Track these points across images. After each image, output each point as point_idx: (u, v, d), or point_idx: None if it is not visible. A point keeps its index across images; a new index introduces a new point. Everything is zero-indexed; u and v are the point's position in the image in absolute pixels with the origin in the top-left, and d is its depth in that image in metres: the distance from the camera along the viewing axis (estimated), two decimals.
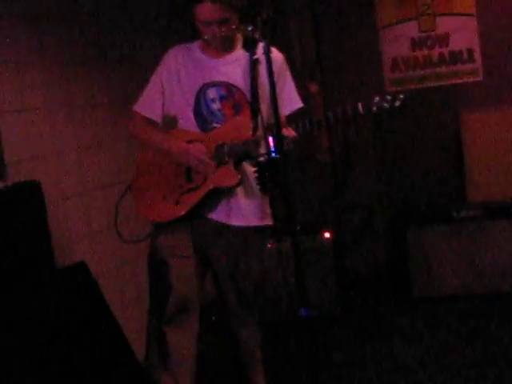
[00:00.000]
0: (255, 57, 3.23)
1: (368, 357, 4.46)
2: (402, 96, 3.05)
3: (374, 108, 3.04)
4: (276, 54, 3.26)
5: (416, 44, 5.80)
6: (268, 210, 3.36)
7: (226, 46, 3.32)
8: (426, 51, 5.79)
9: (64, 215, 3.98)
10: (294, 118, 3.33)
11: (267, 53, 2.73)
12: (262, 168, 2.94)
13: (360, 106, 3.04)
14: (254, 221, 3.34)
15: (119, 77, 4.67)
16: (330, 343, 4.72)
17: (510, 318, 4.77)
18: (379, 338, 4.73)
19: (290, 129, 3.17)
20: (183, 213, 3.28)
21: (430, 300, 5.24)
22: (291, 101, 3.39)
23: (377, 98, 3.05)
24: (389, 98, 3.05)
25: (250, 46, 3.28)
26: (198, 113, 3.33)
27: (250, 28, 2.93)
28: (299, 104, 3.42)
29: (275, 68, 2.86)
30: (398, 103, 3.04)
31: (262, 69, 3.08)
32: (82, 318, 3.53)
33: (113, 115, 4.50)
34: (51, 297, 3.26)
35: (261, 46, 2.97)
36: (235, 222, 3.31)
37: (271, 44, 2.81)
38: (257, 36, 2.86)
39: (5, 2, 3.64)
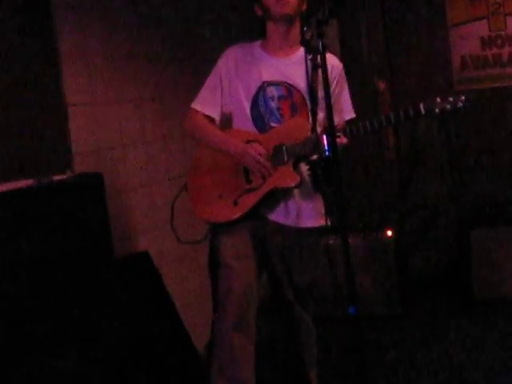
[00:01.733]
0: (317, 61, 3.10)
1: (424, 356, 4.45)
2: (463, 97, 2.96)
3: (437, 110, 2.97)
4: (337, 62, 3.36)
5: (486, 43, 5.71)
6: (323, 210, 3.36)
7: (292, 31, 3.28)
8: (495, 50, 5.70)
9: (129, 206, 4.07)
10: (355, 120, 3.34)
11: (322, 53, 2.70)
12: (315, 167, 2.99)
13: (422, 107, 2.98)
14: (309, 222, 3.34)
15: (187, 72, 4.74)
16: (388, 341, 4.73)
17: None
18: (438, 339, 4.71)
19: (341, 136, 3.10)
20: (241, 214, 3.26)
21: (491, 302, 5.17)
22: (345, 111, 3.40)
23: (438, 100, 2.97)
24: (451, 99, 2.97)
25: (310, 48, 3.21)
26: (255, 110, 3.31)
27: (304, 28, 2.93)
28: (352, 115, 3.42)
29: (335, 74, 3.10)
30: (460, 105, 2.96)
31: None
32: (144, 305, 3.61)
33: (179, 109, 4.55)
34: (111, 285, 3.33)
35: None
36: (291, 222, 3.32)
37: (338, 47, 2.80)
38: (308, 36, 2.86)
39: None
